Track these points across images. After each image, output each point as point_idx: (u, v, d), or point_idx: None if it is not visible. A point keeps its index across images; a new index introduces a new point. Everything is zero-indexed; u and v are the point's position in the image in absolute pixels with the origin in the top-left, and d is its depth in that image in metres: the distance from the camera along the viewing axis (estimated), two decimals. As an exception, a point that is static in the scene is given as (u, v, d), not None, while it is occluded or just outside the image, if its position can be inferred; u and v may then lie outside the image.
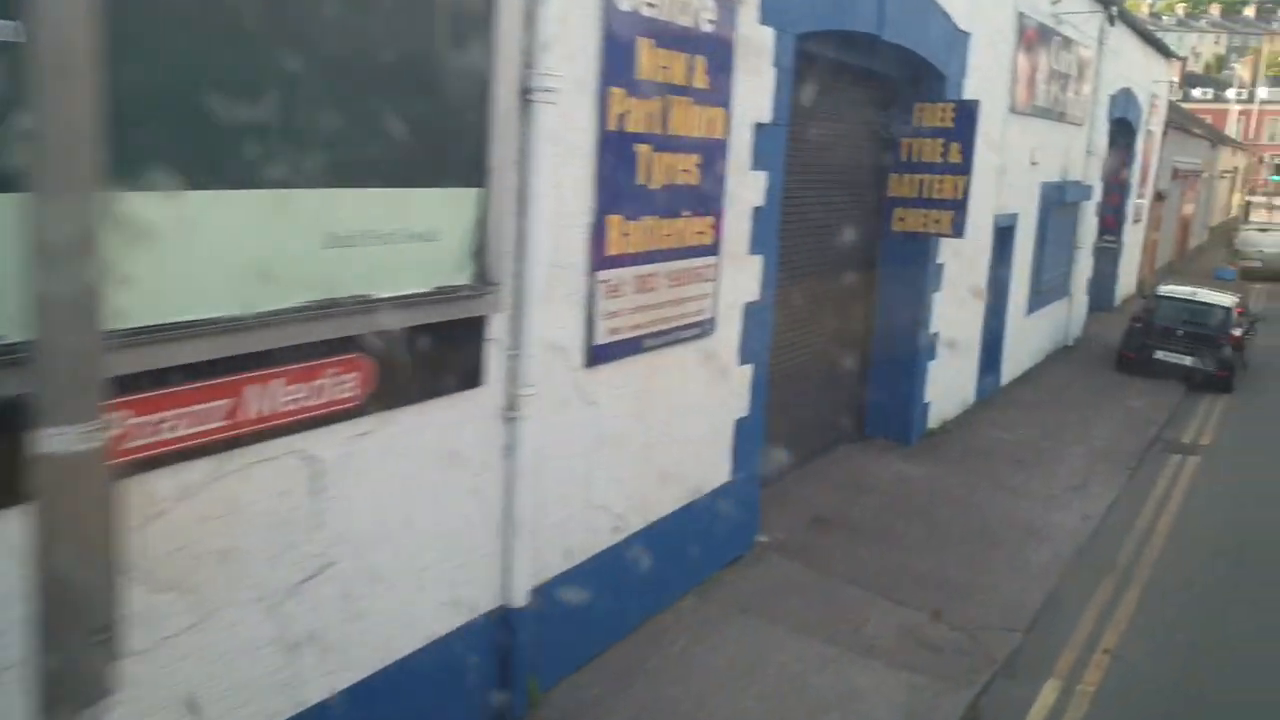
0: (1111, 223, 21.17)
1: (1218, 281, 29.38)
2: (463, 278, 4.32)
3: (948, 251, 10.51)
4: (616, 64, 5.19)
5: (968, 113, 9.63)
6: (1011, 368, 13.74)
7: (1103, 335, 17.20)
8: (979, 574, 7.45)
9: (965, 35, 10.03)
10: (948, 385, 11.26)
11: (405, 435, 4.28)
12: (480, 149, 4.31)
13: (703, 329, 6.42)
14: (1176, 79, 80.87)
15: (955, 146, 9.77)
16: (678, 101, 5.72)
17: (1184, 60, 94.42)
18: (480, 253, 4.39)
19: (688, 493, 6.55)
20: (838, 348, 9.91)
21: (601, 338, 5.41)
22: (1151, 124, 22.47)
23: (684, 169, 5.91)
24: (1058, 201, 14.26)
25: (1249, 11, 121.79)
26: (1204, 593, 7.68)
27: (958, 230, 9.86)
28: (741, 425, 7.12)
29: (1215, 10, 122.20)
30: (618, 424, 5.73)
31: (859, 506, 8.66)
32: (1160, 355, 14.43)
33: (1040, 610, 6.99)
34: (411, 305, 4.09)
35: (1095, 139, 16.23)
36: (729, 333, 6.79)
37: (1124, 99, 18.29)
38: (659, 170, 5.65)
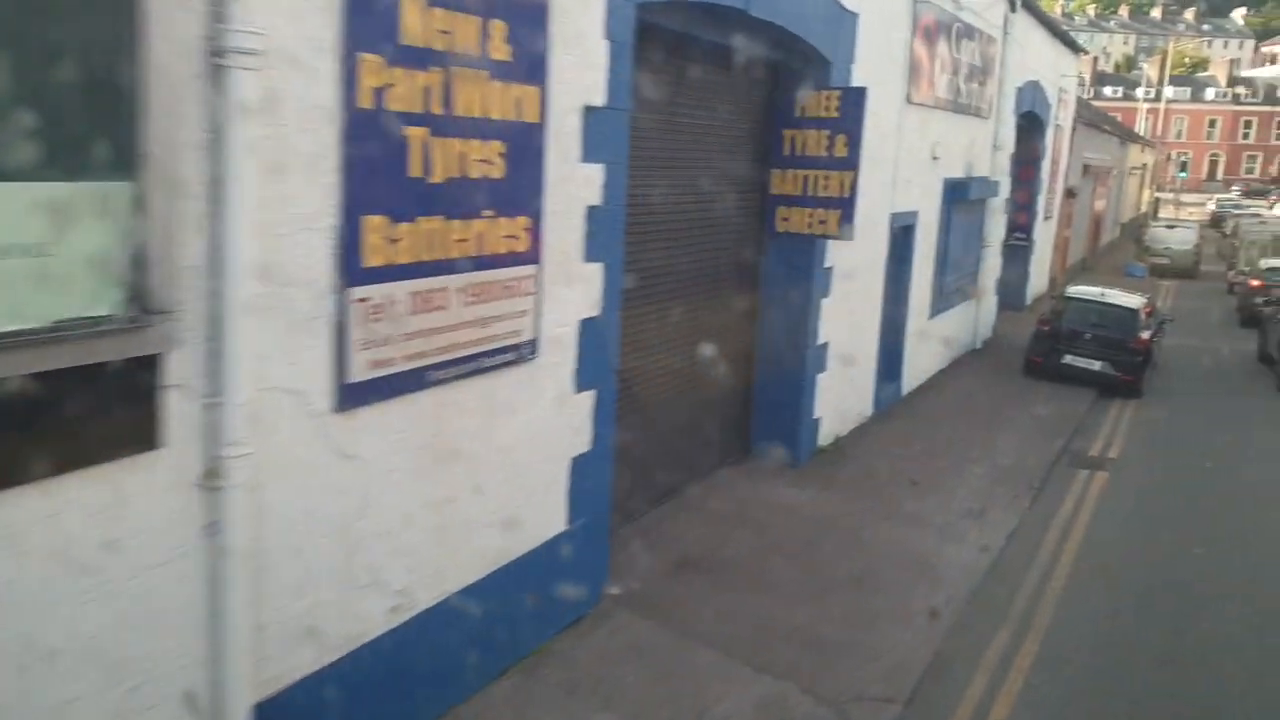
0: (1022, 220, 20.70)
1: (1129, 279, 29.35)
2: (106, 305, 3.13)
3: (838, 254, 9.58)
4: (367, 24, 4.05)
5: (854, 101, 8.70)
6: (914, 375, 12.94)
7: (1013, 336, 16.59)
8: (860, 627, 6.49)
9: (852, 16, 9.09)
10: (841, 398, 10.35)
11: (28, 526, 3.08)
12: (129, 128, 3.12)
13: (520, 353, 5.32)
14: (1087, 74, 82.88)
15: (841, 139, 8.85)
16: (468, 75, 4.60)
17: (1095, 58, 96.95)
18: (138, 270, 3.20)
19: (505, 551, 5.44)
20: (717, 362, 8.90)
21: (359, 373, 4.26)
22: (1061, 119, 22.09)
23: (482, 159, 4.79)
24: (962, 198, 13.51)
25: (1155, 13, 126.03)
26: (1108, 643, 6.84)
27: (845, 231, 8.93)
28: (581, 463, 6.04)
29: (1124, 11, 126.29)
30: (396, 479, 4.59)
31: (733, 543, 7.66)
32: (1068, 360, 13.78)
33: (925, 672, 6.05)
34: (14, 347, 2.90)
35: (1002, 133, 15.56)
36: (559, 356, 5.70)
37: (1031, 92, 17.73)
38: (442, 159, 4.52)
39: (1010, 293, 20.43)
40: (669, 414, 8.11)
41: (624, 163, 6.04)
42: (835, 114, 8.86)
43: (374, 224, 4.20)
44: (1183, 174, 60.21)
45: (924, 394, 12.85)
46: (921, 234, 12.37)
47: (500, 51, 4.79)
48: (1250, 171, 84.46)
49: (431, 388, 4.68)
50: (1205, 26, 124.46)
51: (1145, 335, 13.67)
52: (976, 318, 16.07)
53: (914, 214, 11.96)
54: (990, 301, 16.90)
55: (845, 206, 8.93)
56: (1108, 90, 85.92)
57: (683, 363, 8.26)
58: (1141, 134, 57.35)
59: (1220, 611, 7.38)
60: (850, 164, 8.82)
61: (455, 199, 4.65)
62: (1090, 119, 27.06)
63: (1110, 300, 14.33)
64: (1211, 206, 54.03)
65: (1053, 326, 14.05)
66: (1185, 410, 13.77)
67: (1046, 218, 22.41)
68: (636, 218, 6.63)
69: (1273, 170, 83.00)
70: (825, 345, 9.75)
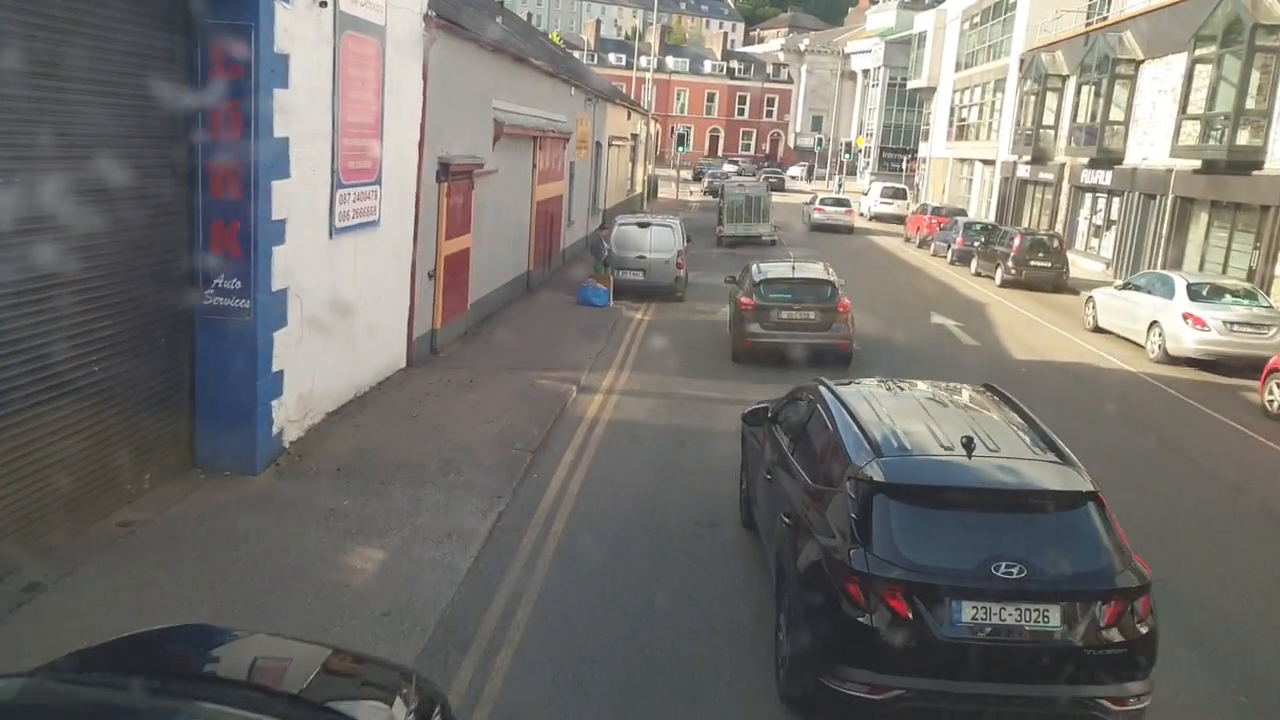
0: (233, 249, 7.83)
1: (584, 309, 18.25)
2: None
3: None
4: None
5: None
6: None
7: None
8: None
9: None
10: None
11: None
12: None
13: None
14: (590, 36, 74.72)
15: None
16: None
17: (598, 21, 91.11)
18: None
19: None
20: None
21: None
22: (358, 5, 9.54)
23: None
24: None
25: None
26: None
27: None
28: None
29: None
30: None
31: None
32: None
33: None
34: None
35: None
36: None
37: None
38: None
39: (224, 437, 7.55)
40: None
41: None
42: None
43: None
44: (683, 148, 53.71)
45: None
46: None
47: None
48: (747, 149, 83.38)
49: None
50: (704, 7, 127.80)
51: None
52: None
53: None
54: None
55: None
56: (612, 57, 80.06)
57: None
58: (644, 106, 49.51)
59: None
60: None
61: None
62: (490, 39, 15.02)
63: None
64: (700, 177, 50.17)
65: None
66: None
67: (350, 226, 9.74)
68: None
69: (765, 147, 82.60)
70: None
